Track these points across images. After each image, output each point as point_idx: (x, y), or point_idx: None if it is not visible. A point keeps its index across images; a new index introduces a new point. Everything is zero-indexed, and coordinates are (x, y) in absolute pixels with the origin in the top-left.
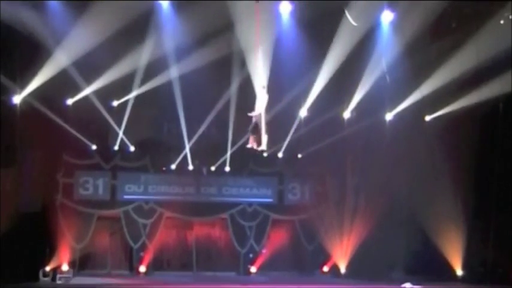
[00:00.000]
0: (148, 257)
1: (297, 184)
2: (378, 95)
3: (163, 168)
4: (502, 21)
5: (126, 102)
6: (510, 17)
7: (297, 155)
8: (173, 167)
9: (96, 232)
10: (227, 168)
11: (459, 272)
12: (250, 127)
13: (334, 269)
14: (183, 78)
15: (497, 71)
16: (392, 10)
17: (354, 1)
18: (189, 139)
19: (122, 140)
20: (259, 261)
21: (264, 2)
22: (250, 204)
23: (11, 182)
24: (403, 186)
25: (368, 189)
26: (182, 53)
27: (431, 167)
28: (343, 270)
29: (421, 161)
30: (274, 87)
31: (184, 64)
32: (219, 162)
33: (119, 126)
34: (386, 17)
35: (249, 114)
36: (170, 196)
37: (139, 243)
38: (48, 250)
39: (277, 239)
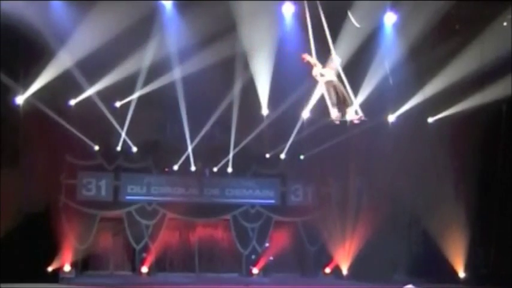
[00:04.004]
0: (150, 258)
1: (299, 186)
2: (381, 97)
3: (166, 170)
4: (505, 23)
5: (129, 103)
6: None
7: (299, 157)
8: (176, 168)
9: (99, 233)
10: (230, 170)
11: (461, 274)
12: (334, 100)
13: (337, 270)
14: (186, 79)
15: (500, 73)
16: (396, 12)
17: (357, 2)
18: (192, 140)
19: (124, 141)
20: (262, 262)
21: (267, 3)
22: (252, 205)
23: (14, 183)
24: (405, 188)
25: (371, 191)
26: (185, 54)
27: (434, 168)
28: (345, 272)
29: (424, 162)
30: (277, 89)
31: (187, 65)
32: (221, 164)
33: (122, 127)
34: (390, 18)
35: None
36: (173, 197)
37: (142, 244)
38: (51, 250)
39: (279, 240)
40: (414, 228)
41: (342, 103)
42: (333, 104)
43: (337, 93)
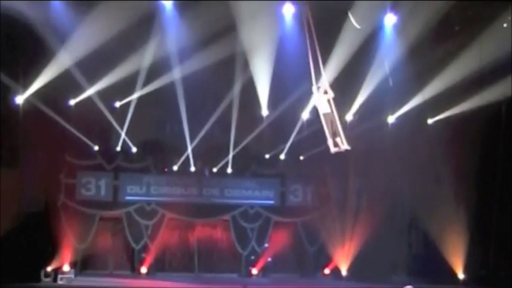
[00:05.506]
0: (149, 258)
1: (299, 186)
2: (381, 98)
3: (166, 170)
4: (505, 25)
5: (129, 103)
6: None
7: (299, 157)
8: (175, 168)
9: (98, 233)
10: (229, 170)
11: (460, 275)
12: (330, 131)
13: (336, 271)
14: (185, 79)
15: (500, 74)
16: (396, 13)
17: (357, 2)
18: (192, 140)
19: (124, 141)
20: (261, 263)
21: (267, 3)
22: (252, 206)
23: (14, 182)
24: (405, 188)
25: (370, 192)
26: (185, 54)
27: (433, 169)
28: (344, 272)
29: (423, 163)
30: (277, 89)
31: (187, 65)
32: (221, 164)
33: (122, 127)
34: (390, 19)
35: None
36: (172, 197)
37: (141, 244)
38: (50, 250)
39: (279, 241)
40: (413, 229)
41: (334, 134)
42: (330, 136)
43: (331, 125)
